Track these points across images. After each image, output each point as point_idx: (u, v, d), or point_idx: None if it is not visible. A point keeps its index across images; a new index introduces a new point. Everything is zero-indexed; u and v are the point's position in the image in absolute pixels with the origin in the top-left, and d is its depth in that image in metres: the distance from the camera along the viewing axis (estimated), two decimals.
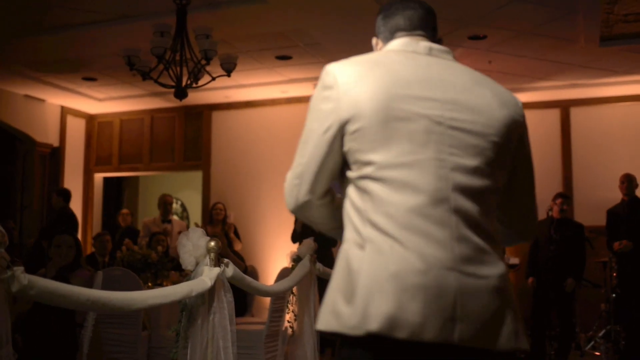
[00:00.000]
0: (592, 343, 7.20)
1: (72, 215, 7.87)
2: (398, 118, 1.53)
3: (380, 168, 1.52)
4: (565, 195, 6.97)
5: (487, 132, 1.59)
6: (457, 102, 1.59)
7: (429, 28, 1.78)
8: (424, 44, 1.72)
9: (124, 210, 9.56)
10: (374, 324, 1.42)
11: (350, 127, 1.55)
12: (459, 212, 1.51)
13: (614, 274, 7.29)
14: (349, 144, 1.57)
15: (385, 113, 1.53)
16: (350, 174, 1.59)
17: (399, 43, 1.74)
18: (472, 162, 1.56)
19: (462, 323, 1.44)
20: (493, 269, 1.51)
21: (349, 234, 1.57)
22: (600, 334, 7.13)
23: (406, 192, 1.50)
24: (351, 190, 1.60)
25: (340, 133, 1.57)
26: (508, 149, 1.64)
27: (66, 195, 7.87)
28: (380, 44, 1.83)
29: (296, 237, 7.25)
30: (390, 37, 1.79)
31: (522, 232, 1.80)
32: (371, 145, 1.54)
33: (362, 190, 1.55)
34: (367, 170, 1.54)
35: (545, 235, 6.86)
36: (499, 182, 1.62)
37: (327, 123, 1.58)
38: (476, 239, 1.51)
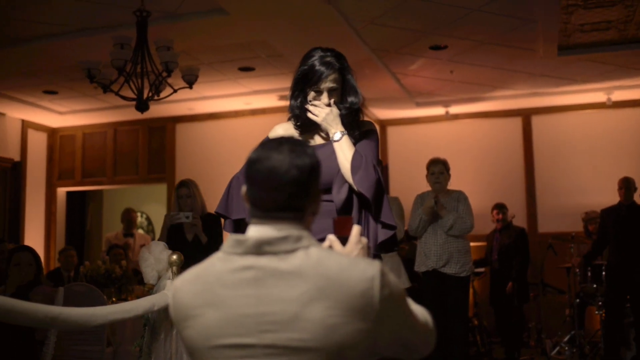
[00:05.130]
0: (558, 348, 7.28)
1: None
2: None
3: None
4: (499, 206, 7.60)
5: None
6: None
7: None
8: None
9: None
10: None
11: None
12: None
13: (577, 279, 7.40)
14: None
15: None
16: None
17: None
18: None
19: None
20: None
21: None
22: (565, 339, 7.21)
23: None
24: None
25: None
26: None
27: None
28: None
29: None
30: None
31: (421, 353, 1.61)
32: None
33: None
34: None
35: (489, 244, 7.62)
36: None
37: None
38: None
